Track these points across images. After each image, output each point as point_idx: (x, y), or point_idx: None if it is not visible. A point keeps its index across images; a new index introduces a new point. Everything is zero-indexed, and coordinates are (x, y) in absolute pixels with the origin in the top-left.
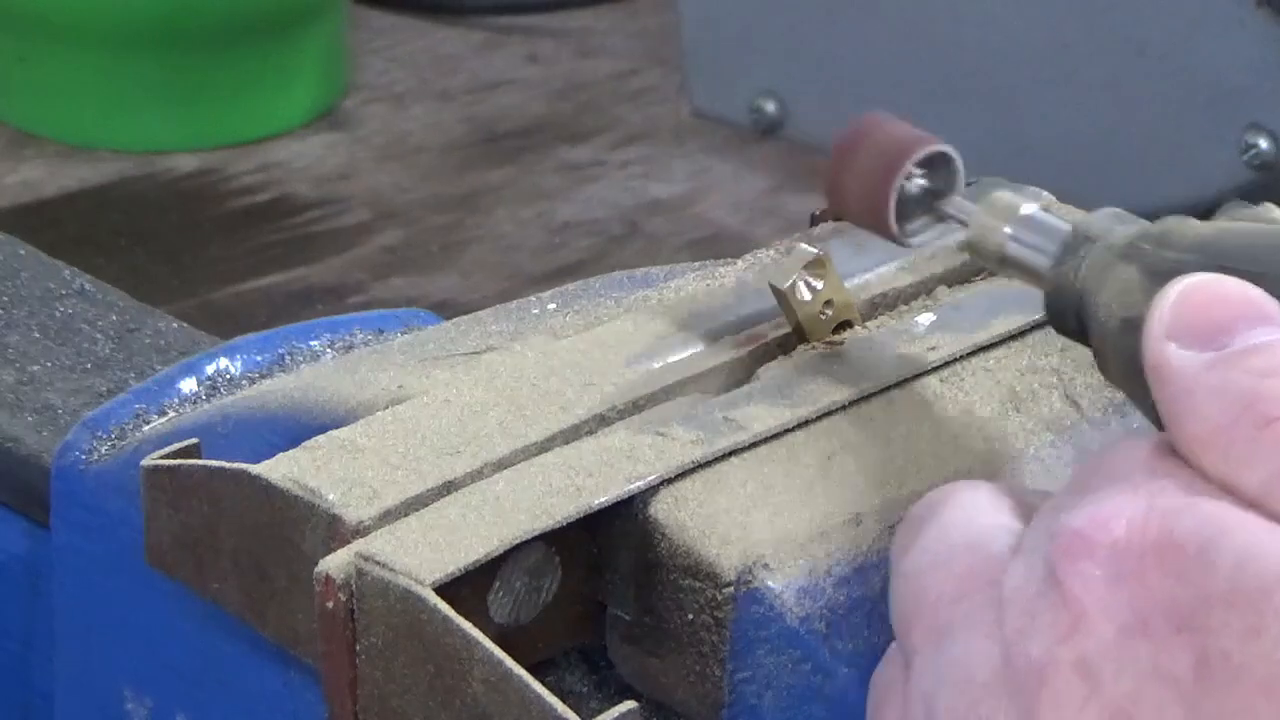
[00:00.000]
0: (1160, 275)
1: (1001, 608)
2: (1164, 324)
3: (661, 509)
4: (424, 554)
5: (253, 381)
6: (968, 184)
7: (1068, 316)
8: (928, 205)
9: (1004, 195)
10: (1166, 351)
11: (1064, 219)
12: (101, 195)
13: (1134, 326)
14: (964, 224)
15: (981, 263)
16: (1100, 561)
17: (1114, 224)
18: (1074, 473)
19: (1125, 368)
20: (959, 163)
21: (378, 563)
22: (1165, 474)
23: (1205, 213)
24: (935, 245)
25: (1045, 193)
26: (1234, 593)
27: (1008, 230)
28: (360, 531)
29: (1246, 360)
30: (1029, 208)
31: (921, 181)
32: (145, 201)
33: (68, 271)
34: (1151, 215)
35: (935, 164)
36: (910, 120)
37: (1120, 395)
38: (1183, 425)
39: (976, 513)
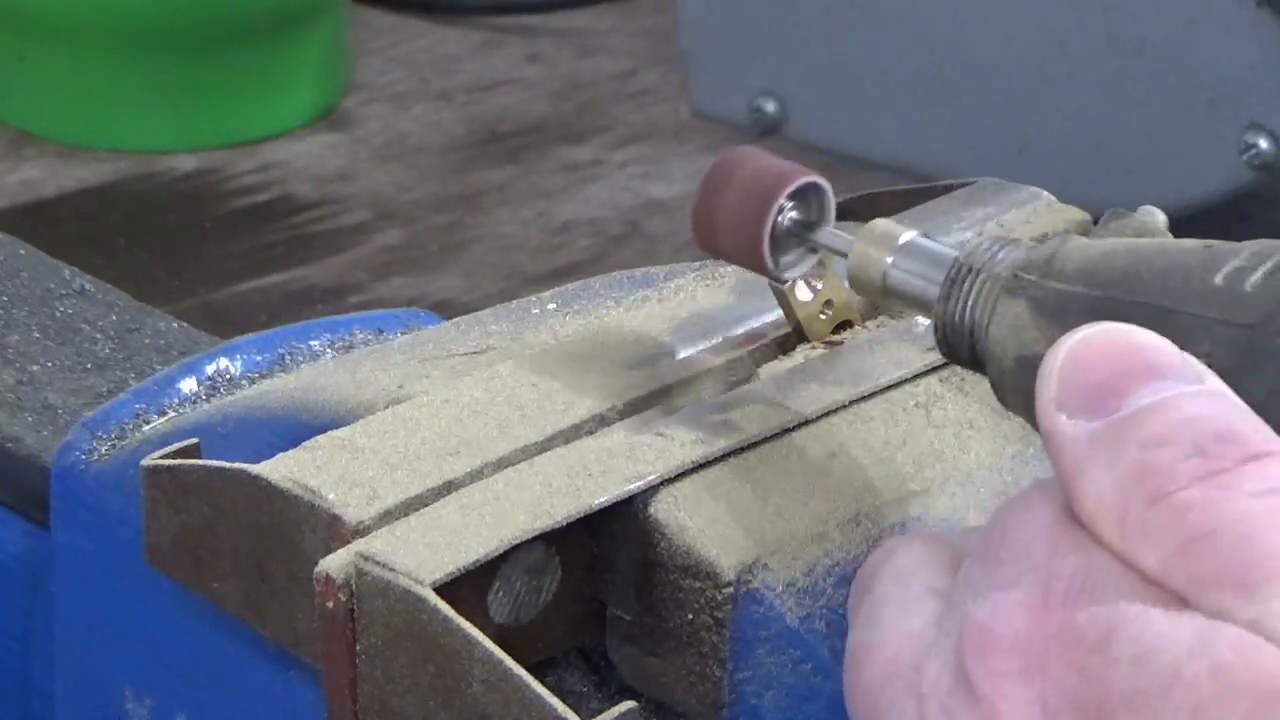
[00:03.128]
0: (1049, 310)
1: (920, 702)
2: (1052, 393)
3: (661, 509)
4: (424, 554)
5: (253, 381)
6: (966, 183)
7: (960, 350)
8: (801, 237)
9: (882, 223)
10: (1058, 423)
11: (947, 245)
12: (101, 195)
13: (1029, 364)
14: (842, 254)
15: (864, 294)
16: (1005, 655)
17: (998, 250)
18: (983, 535)
19: (1025, 402)
20: (830, 193)
21: (378, 563)
22: (1067, 548)
23: (1206, 212)
24: (807, 275)
25: (1045, 193)
26: (1133, 693)
27: (889, 260)
28: (360, 531)
29: (1135, 429)
30: (908, 235)
31: (793, 214)
32: (145, 201)
33: (68, 271)
34: None
35: (806, 195)
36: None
37: None
38: (1079, 499)
39: (907, 583)
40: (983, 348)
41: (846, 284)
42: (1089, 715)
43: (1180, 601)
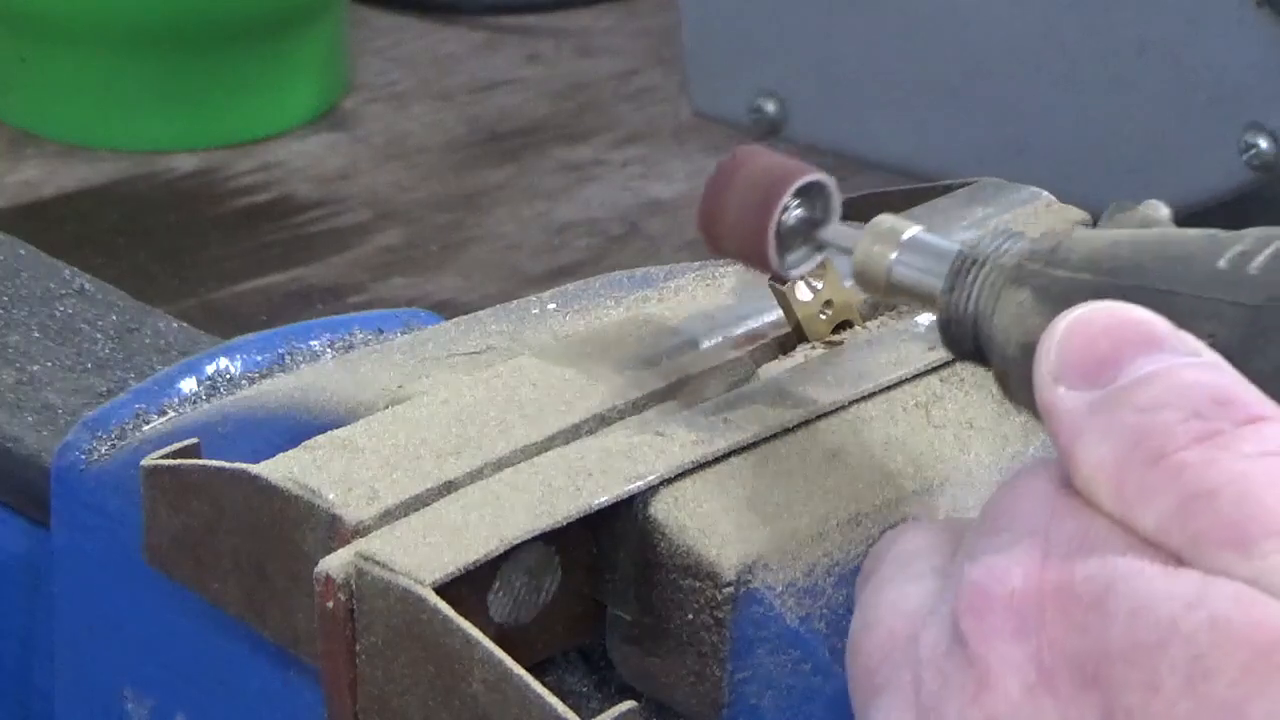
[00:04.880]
0: (1053, 297)
1: (918, 668)
2: (1050, 365)
3: (661, 509)
4: (424, 554)
5: (253, 381)
6: (966, 184)
7: (964, 341)
8: (806, 235)
9: (886, 219)
10: (1055, 395)
11: (950, 240)
12: (101, 195)
13: (1033, 351)
14: (847, 251)
15: (868, 291)
16: (1000, 614)
17: (1002, 242)
18: (983, 509)
19: (1028, 391)
20: (835, 191)
21: (378, 563)
22: (1065, 513)
23: (1203, 213)
24: (812, 273)
25: (1045, 193)
26: (1131, 647)
27: (893, 255)
28: (360, 531)
29: (1132, 396)
30: (913, 230)
31: (798, 212)
32: (145, 201)
33: (68, 271)
34: None
35: (811, 193)
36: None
37: None
38: (1076, 467)
39: (909, 564)
40: (986, 338)
41: (849, 282)
42: (1085, 671)
43: (1177, 561)
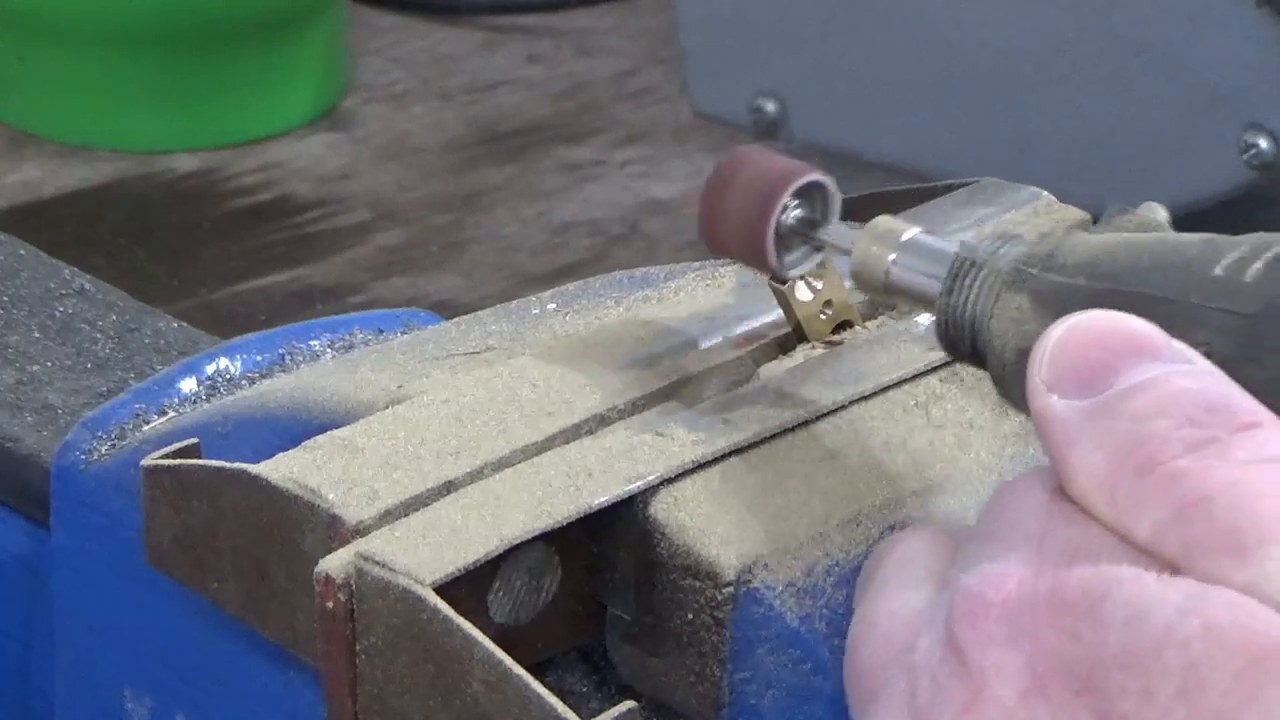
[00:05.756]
0: (1050, 303)
1: (913, 675)
2: (1043, 374)
3: (661, 509)
4: (424, 554)
5: (253, 381)
6: (966, 184)
7: (961, 344)
8: (806, 235)
9: (885, 220)
10: (1049, 403)
11: (949, 241)
12: (101, 195)
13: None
14: (845, 252)
15: (866, 291)
16: (995, 621)
17: (1000, 245)
18: (979, 518)
19: (1025, 396)
20: (834, 191)
21: (378, 563)
22: (1060, 521)
23: (1203, 213)
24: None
25: (1045, 193)
26: (1125, 653)
27: (891, 256)
28: (360, 531)
29: (1126, 404)
30: (911, 232)
31: (798, 212)
32: (145, 201)
33: (68, 271)
34: None
35: (811, 193)
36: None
37: None
38: (1071, 475)
39: (906, 571)
40: (984, 341)
41: (849, 282)
42: (1079, 679)
43: (1173, 570)
